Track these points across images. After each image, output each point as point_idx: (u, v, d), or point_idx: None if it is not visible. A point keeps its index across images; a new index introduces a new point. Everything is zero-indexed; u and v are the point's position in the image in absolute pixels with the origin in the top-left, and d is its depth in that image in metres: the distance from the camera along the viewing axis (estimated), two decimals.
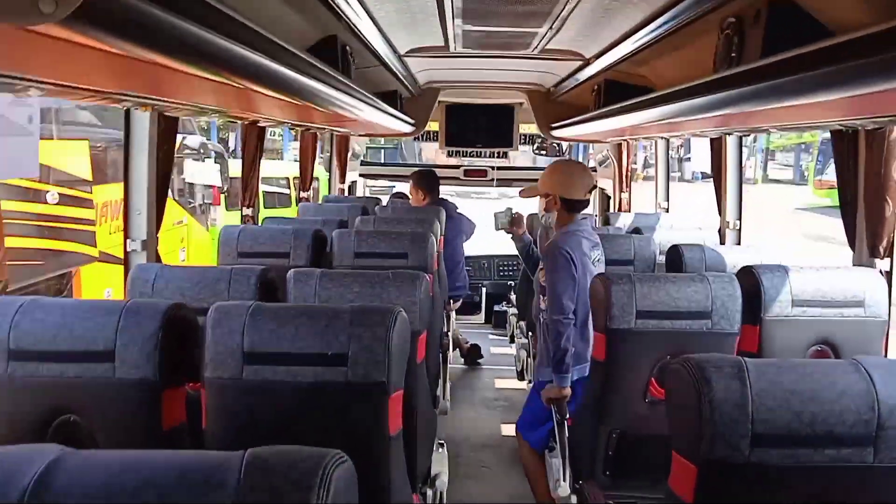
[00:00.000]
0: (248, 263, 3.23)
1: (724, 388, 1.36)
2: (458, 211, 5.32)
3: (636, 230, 4.19)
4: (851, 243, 2.78)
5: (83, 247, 7.64)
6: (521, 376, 4.93)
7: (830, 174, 22.24)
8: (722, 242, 4.17)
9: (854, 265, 2.78)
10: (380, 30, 3.06)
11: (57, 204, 7.48)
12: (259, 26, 1.67)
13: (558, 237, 2.90)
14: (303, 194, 5.53)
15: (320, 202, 5.90)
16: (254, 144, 4.01)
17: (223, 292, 2.38)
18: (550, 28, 3.08)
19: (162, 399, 1.65)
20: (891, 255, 2.68)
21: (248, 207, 4.14)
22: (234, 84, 1.76)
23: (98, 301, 1.79)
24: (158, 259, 2.86)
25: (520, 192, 3.43)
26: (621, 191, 6.60)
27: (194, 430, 1.76)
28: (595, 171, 7.50)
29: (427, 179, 5.24)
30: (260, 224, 4.21)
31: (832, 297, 2.48)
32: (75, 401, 1.63)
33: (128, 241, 2.76)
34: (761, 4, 1.98)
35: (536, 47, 3.67)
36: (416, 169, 5.53)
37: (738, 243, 4.14)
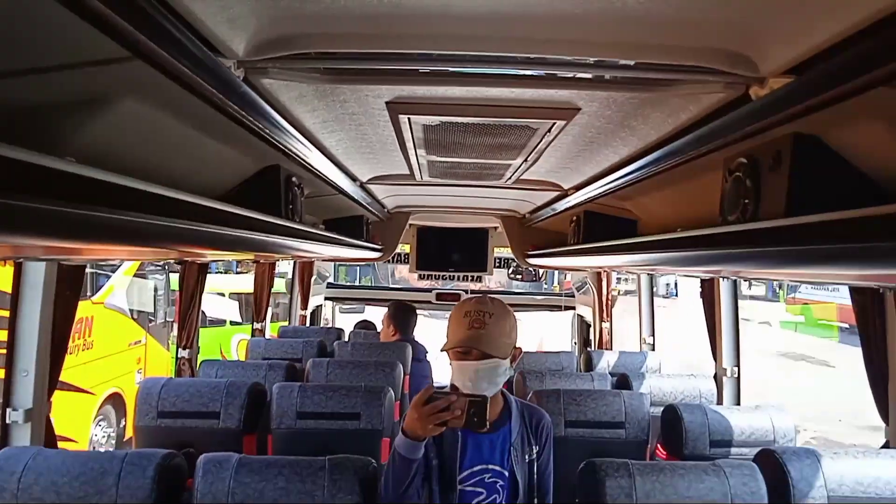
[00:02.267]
0: (169, 424, 2.74)
1: None
2: (427, 355, 4.82)
3: (623, 378, 3.74)
4: (884, 416, 2.35)
5: None
6: None
7: (802, 293, 22.61)
8: (719, 390, 3.72)
9: (889, 440, 2.33)
10: (332, 160, 2.70)
11: None
12: (174, 167, 1.32)
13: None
14: (256, 325, 5.04)
15: (276, 334, 5.40)
16: (194, 280, 3.56)
17: (110, 489, 1.86)
18: (525, 160, 2.74)
19: None
20: None
21: (184, 349, 3.63)
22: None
23: None
24: (50, 435, 2.32)
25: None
26: (601, 320, 6.20)
27: None
28: (573, 296, 7.15)
29: (401, 315, 4.78)
30: (197, 367, 3.70)
31: (876, 493, 2.01)
32: None
33: (8, 410, 2.23)
34: (782, 144, 1.61)
35: (510, 178, 3.34)
36: (393, 300, 5.09)
37: (738, 393, 3.69)
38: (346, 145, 2.55)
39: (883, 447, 2.35)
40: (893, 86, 1.15)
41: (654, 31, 1.34)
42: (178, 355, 3.65)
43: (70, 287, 2.29)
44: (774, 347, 18.32)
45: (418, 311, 9.37)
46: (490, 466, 1.91)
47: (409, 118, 2.04)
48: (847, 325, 19.60)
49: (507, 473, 1.91)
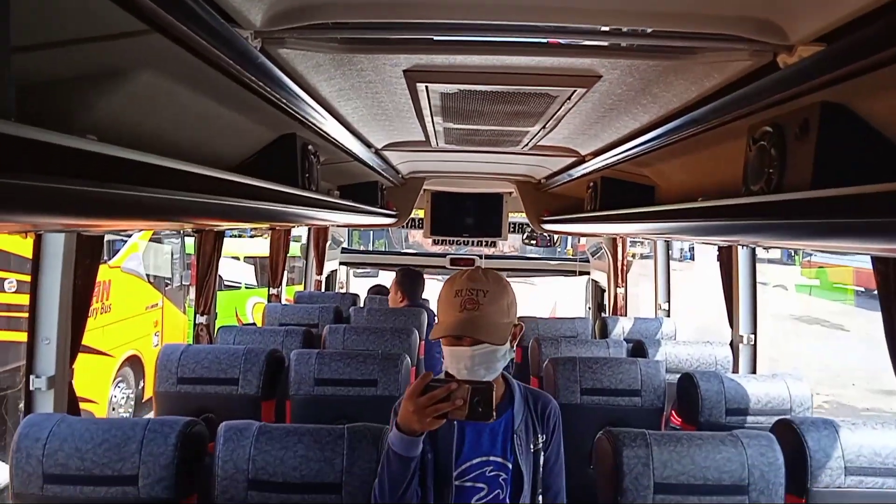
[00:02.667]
0: (188, 390, 2.78)
1: None
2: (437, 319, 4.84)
3: (638, 344, 3.74)
4: None
5: None
6: None
7: (817, 256, 22.53)
8: (735, 357, 3.71)
9: None
10: (348, 127, 2.68)
11: (15, 292, 7.05)
12: (191, 139, 1.32)
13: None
14: (272, 291, 5.07)
15: (292, 298, 5.44)
16: (210, 246, 3.57)
17: (133, 455, 1.89)
18: (543, 128, 2.70)
19: None
20: None
21: (202, 315, 3.66)
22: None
23: None
24: (73, 401, 2.35)
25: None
26: (616, 285, 6.18)
27: None
28: (587, 261, 7.13)
29: (409, 281, 4.80)
30: (215, 332, 3.73)
31: (894, 464, 2.01)
32: None
33: (31, 377, 2.26)
34: (809, 113, 1.57)
35: (527, 145, 3.30)
36: (401, 267, 5.12)
37: (754, 361, 3.68)
38: (362, 113, 2.52)
39: None
40: None
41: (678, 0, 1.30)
42: (196, 321, 3.68)
43: (90, 256, 2.30)
44: (789, 311, 18.29)
45: (433, 276, 9.39)
46: (491, 458, 1.69)
47: (426, 86, 2.01)
48: (863, 289, 19.51)
49: (510, 466, 1.69)
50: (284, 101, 1.81)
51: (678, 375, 3.10)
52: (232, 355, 2.87)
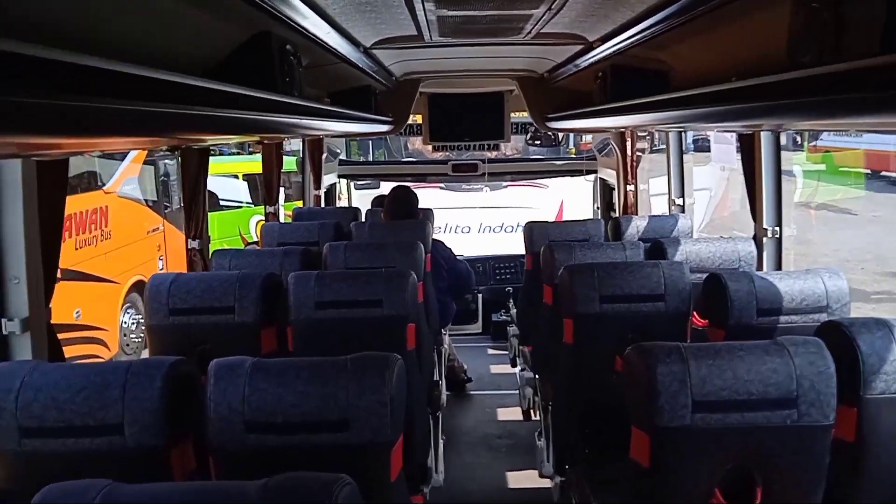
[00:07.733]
0: (182, 322, 2.61)
1: None
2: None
3: (657, 245, 3.52)
4: None
5: None
6: (526, 416, 4.28)
7: (823, 140, 21.99)
8: (759, 251, 3.50)
9: None
10: (331, 23, 2.38)
11: None
12: (146, 43, 1.08)
13: None
14: (268, 209, 4.83)
15: (289, 218, 5.22)
16: (195, 165, 3.32)
17: (116, 402, 1.71)
18: (548, 10, 2.40)
19: None
20: None
21: (193, 239, 3.45)
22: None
23: None
24: (54, 344, 2.16)
25: None
26: (626, 183, 5.90)
27: None
28: (594, 159, 6.84)
29: (394, 202, 4.48)
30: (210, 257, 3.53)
31: None
32: None
33: (3, 321, 2.06)
34: None
35: (530, 32, 2.99)
36: (400, 177, 4.86)
37: (779, 255, 3.48)
38: (345, 4, 2.22)
39: None
40: None
41: None
42: (189, 246, 3.48)
43: (54, 183, 2.06)
44: (796, 198, 17.88)
45: (433, 186, 9.04)
46: None
47: None
48: (869, 172, 19.07)
49: None
50: None
51: (701, 276, 2.91)
52: (225, 282, 2.67)
